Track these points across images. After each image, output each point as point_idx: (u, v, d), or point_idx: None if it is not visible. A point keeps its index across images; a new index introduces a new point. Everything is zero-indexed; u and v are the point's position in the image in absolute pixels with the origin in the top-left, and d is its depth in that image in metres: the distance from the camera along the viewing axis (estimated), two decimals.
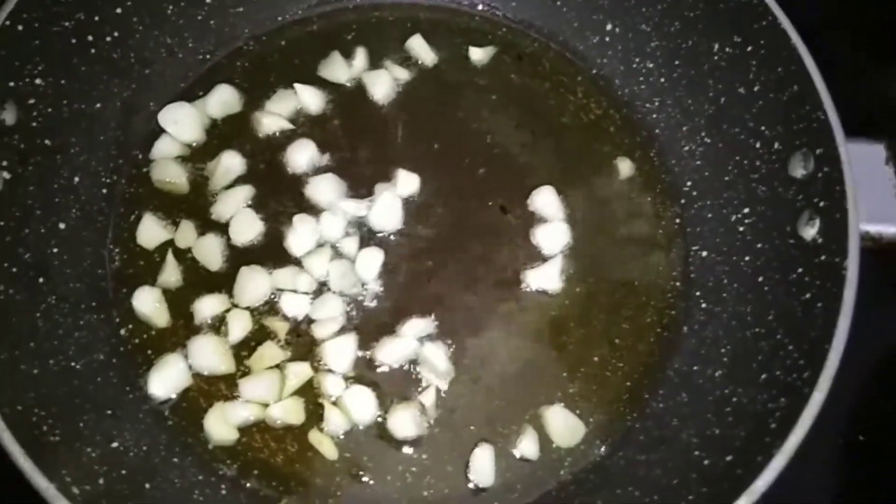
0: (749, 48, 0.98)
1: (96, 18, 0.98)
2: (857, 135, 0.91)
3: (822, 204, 0.88)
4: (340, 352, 0.96)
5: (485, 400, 0.96)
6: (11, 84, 0.88)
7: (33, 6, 0.88)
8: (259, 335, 0.97)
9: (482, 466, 0.92)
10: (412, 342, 0.97)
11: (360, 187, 1.06)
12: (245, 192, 1.05)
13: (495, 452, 0.93)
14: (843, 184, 0.85)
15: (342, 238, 1.02)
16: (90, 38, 0.98)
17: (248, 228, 1.02)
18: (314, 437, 0.92)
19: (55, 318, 0.89)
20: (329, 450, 0.92)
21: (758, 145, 0.99)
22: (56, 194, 0.95)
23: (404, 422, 0.93)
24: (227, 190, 1.05)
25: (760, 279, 0.95)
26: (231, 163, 1.06)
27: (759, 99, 0.98)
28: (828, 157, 0.87)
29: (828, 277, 0.83)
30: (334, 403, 0.93)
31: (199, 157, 1.07)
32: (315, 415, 0.94)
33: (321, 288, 1.00)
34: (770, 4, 0.94)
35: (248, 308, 0.98)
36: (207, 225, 1.03)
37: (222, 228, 1.02)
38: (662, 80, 1.12)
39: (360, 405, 0.93)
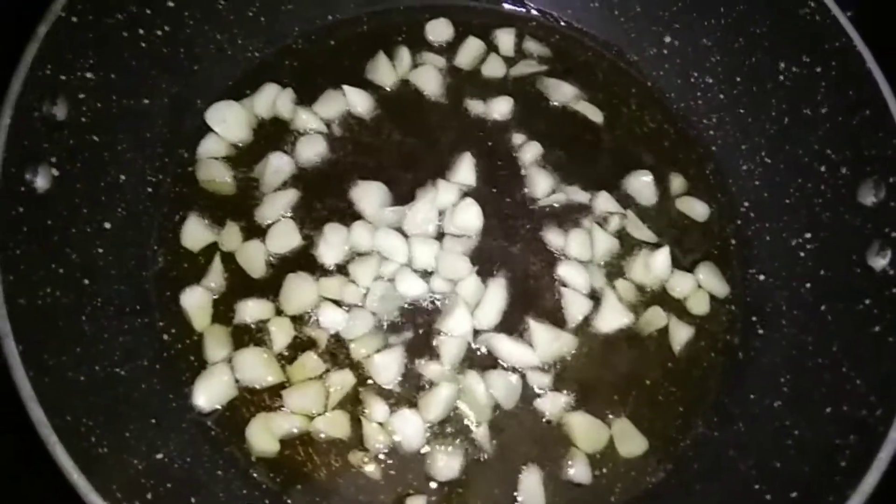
0: (818, 69, 0.95)
1: (148, 11, 0.96)
2: None
3: (894, 234, 0.85)
4: (386, 365, 0.94)
5: (534, 421, 0.93)
6: (63, 77, 0.85)
7: None
8: (299, 345, 0.95)
9: (530, 490, 0.90)
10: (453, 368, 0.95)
11: (402, 193, 1.04)
12: (290, 196, 1.02)
13: (544, 476, 0.91)
14: None
15: (388, 250, 0.99)
16: (141, 31, 0.96)
17: (285, 238, 1.00)
18: (355, 456, 0.90)
19: (100, 322, 0.86)
20: (372, 468, 0.90)
21: (823, 169, 0.96)
22: (103, 193, 0.92)
23: (449, 465, 0.90)
24: (273, 193, 1.02)
25: (823, 307, 0.92)
26: (279, 163, 1.03)
27: (826, 121, 0.95)
28: None
29: None
30: (380, 424, 0.91)
31: (245, 157, 1.05)
32: (358, 432, 0.91)
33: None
34: (844, 25, 0.92)
35: (290, 317, 0.96)
36: (252, 228, 1.00)
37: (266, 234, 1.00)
38: (722, 96, 1.09)
39: (408, 429, 0.91)
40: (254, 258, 0.98)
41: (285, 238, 0.99)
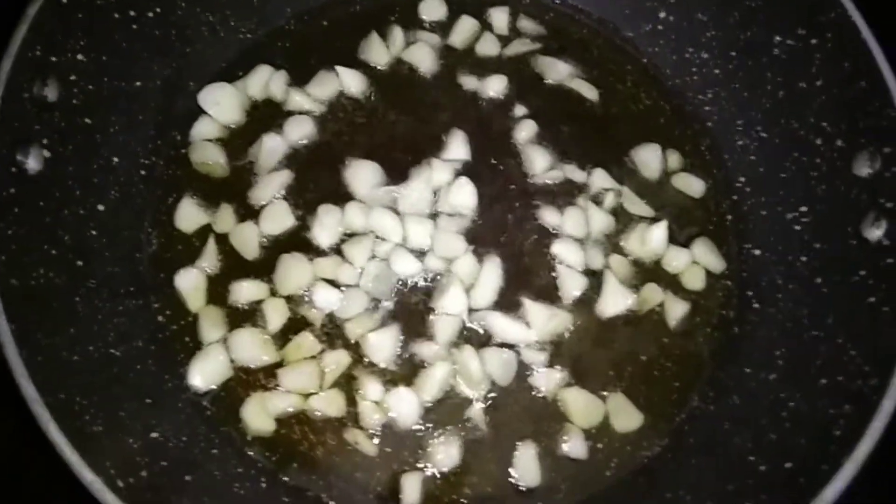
0: (814, 41, 0.94)
1: None
2: None
3: (889, 205, 0.85)
4: (381, 344, 0.94)
5: (529, 397, 0.93)
6: (54, 59, 0.85)
7: None
8: (294, 325, 0.95)
9: (526, 465, 0.90)
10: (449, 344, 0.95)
11: (396, 173, 1.03)
12: (283, 177, 1.02)
13: (540, 451, 0.91)
14: None
15: (382, 230, 0.99)
16: (132, 13, 0.96)
17: (278, 219, 1.00)
18: (350, 434, 0.90)
19: (94, 304, 0.87)
20: (368, 446, 0.90)
21: (818, 142, 0.95)
22: (95, 175, 0.92)
23: (447, 456, 0.90)
24: (267, 175, 1.02)
25: (818, 280, 0.92)
26: (273, 145, 1.03)
27: (822, 94, 0.94)
28: None
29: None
30: (375, 402, 0.91)
31: (238, 139, 1.05)
32: (354, 410, 0.91)
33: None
34: None
35: (285, 297, 0.96)
36: (246, 209, 1.00)
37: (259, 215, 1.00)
38: (717, 71, 1.08)
39: (403, 407, 0.91)
40: (247, 239, 0.98)
41: (279, 219, 0.99)
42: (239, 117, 1.06)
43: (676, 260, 1.01)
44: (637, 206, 1.04)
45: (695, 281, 1.01)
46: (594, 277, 0.99)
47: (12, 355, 0.70)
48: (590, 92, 1.11)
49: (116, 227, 0.94)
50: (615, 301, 0.98)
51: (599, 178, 1.05)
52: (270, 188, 1.01)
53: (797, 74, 0.97)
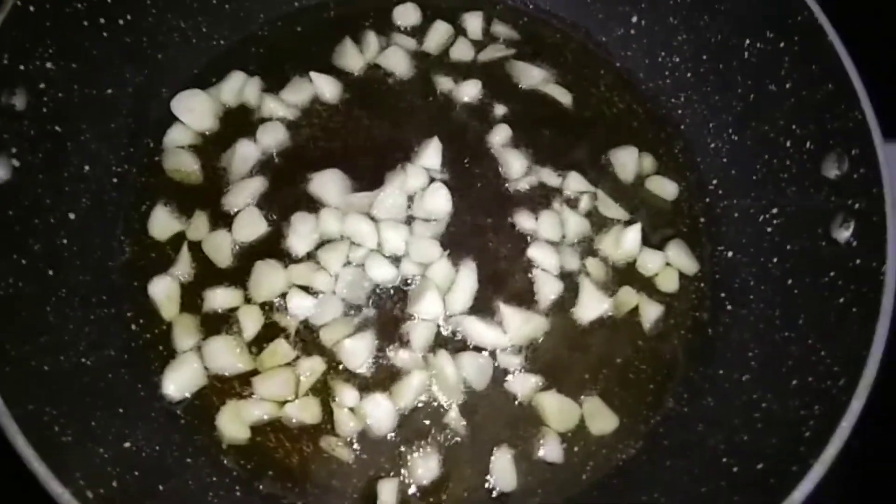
0: (782, 44, 0.96)
1: (109, 0, 0.95)
2: (893, 136, 0.88)
3: (857, 206, 0.85)
4: (357, 350, 0.94)
5: (505, 402, 0.94)
6: (22, 67, 0.84)
7: None
8: (268, 332, 0.94)
9: (502, 470, 0.90)
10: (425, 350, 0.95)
11: (371, 178, 1.03)
12: (257, 183, 1.02)
13: (516, 455, 0.91)
14: (880, 186, 0.83)
15: (357, 236, 0.99)
16: (102, 20, 0.95)
17: (251, 226, 0.99)
18: (326, 441, 0.90)
19: (66, 313, 0.86)
20: (343, 453, 0.90)
21: (788, 144, 0.96)
22: (66, 183, 0.92)
23: (426, 469, 0.90)
24: (240, 181, 1.02)
25: (790, 282, 0.93)
26: (246, 151, 1.03)
27: (791, 97, 0.95)
28: (864, 158, 0.85)
29: (864, 282, 0.81)
30: (351, 409, 0.91)
31: (211, 145, 1.04)
32: (329, 417, 0.91)
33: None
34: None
35: (259, 304, 0.95)
36: (220, 216, 1.00)
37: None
38: (689, 74, 1.09)
39: (379, 414, 0.91)
40: (220, 247, 0.98)
41: (251, 226, 0.99)
42: (212, 124, 1.05)
43: (650, 262, 1.02)
44: (611, 208, 1.05)
45: (669, 283, 1.01)
46: (570, 281, 1.00)
47: None
48: (564, 96, 1.12)
49: (88, 236, 0.93)
50: (592, 306, 0.99)
51: (574, 182, 1.05)
52: (243, 195, 1.01)
53: (767, 77, 0.98)
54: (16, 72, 0.84)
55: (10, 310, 0.79)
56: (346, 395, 0.91)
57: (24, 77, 0.85)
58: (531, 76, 1.13)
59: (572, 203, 1.04)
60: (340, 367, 0.93)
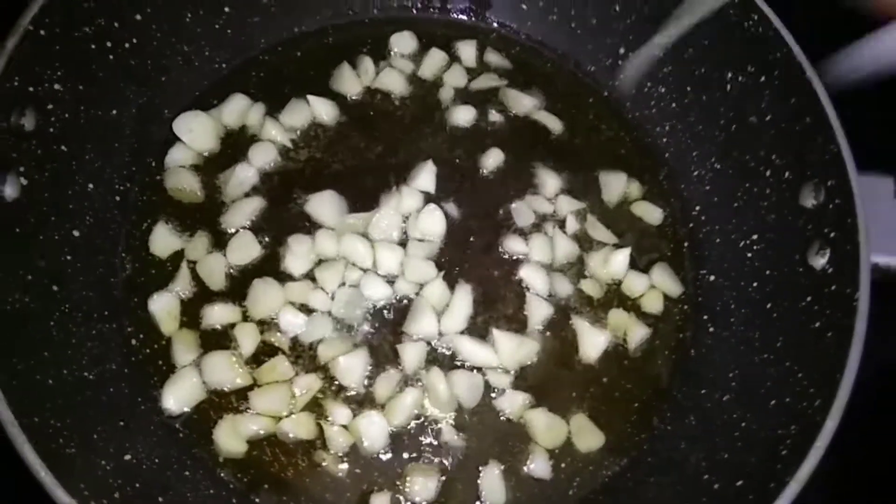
0: (762, 78, 1.00)
1: (116, 24, 0.98)
2: (867, 168, 0.92)
3: (832, 235, 0.90)
4: (351, 368, 0.96)
5: (494, 419, 0.96)
6: (31, 89, 0.87)
7: (56, 10, 0.87)
8: (266, 349, 0.97)
9: (491, 486, 0.93)
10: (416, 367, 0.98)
11: (366, 200, 1.06)
12: (255, 204, 1.05)
13: (505, 471, 0.93)
14: (854, 216, 0.87)
15: (353, 256, 1.02)
16: (109, 43, 0.98)
17: (244, 249, 1.01)
18: (319, 456, 0.92)
19: (69, 328, 0.88)
20: (336, 468, 0.92)
21: (768, 174, 1.00)
22: (70, 201, 0.94)
23: (420, 485, 0.92)
24: (238, 201, 1.04)
25: (769, 305, 0.97)
26: (245, 175, 1.05)
27: (770, 128, 1.00)
28: (839, 189, 0.89)
29: (838, 308, 0.85)
30: (344, 426, 0.93)
31: (212, 166, 1.07)
32: (323, 432, 0.93)
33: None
34: (785, 37, 0.96)
35: (256, 321, 0.98)
36: (218, 236, 1.02)
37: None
38: (674, 105, 1.14)
39: (373, 431, 0.93)
40: (213, 270, 1.00)
41: (244, 250, 1.01)
42: (213, 144, 1.08)
43: (636, 284, 1.05)
44: (600, 231, 1.08)
45: (653, 304, 1.05)
46: (561, 303, 1.03)
47: None
48: (554, 124, 1.15)
49: (91, 252, 0.96)
50: (593, 342, 1.01)
51: (564, 205, 1.09)
52: (241, 215, 1.03)
53: (748, 109, 1.03)
54: (26, 93, 0.86)
55: (17, 325, 0.81)
56: (340, 412, 0.94)
57: (34, 98, 0.87)
58: (523, 104, 1.17)
59: (562, 226, 1.08)
60: (335, 384, 0.96)
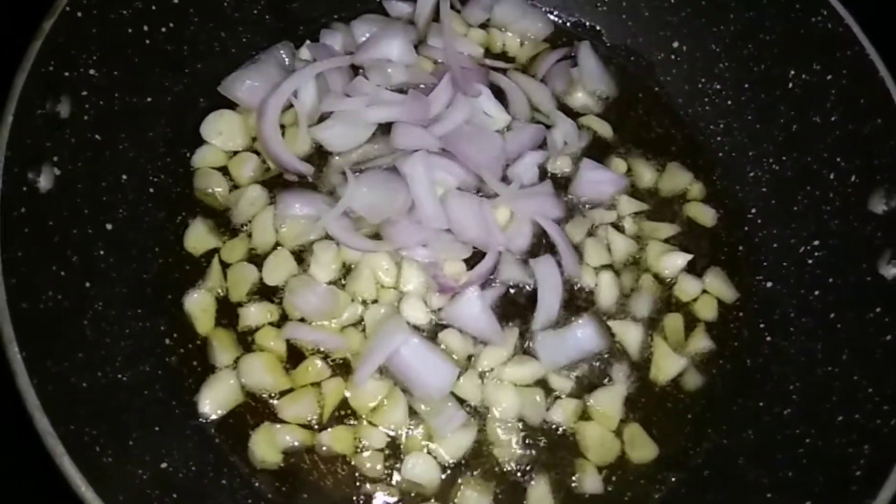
0: (829, 76, 0.95)
1: (153, 7, 0.93)
2: None
3: None
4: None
5: (545, 431, 0.92)
6: (66, 74, 0.83)
7: None
8: (299, 350, 0.93)
9: (540, 500, 0.89)
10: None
11: None
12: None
13: (552, 485, 0.89)
14: None
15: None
16: (146, 27, 0.93)
17: (280, 271, 0.95)
18: (368, 488, 0.88)
19: (102, 327, 0.84)
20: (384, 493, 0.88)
21: (832, 177, 0.96)
22: (104, 193, 0.90)
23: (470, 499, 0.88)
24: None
25: (832, 315, 0.92)
26: (254, 196, 0.99)
27: (836, 129, 0.95)
28: None
29: None
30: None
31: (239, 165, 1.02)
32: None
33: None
34: (857, 34, 0.91)
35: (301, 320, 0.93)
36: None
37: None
38: (729, 102, 1.09)
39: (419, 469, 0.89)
40: (240, 281, 0.95)
41: (280, 271, 0.95)
42: (244, 142, 1.03)
43: (689, 287, 1.01)
44: (657, 231, 1.04)
45: (707, 311, 1.01)
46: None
47: (25, 386, 0.67)
48: (603, 129, 1.10)
49: (124, 247, 0.91)
50: (668, 365, 0.96)
51: (622, 204, 1.05)
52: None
53: (811, 108, 0.98)
54: (61, 79, 0.82)
55: (50, 324, 0.77)
56: (375, 437, 0.89)
57: (69, 84, 0.83)
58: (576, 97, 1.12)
59: (619, 226, 1.04)
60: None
